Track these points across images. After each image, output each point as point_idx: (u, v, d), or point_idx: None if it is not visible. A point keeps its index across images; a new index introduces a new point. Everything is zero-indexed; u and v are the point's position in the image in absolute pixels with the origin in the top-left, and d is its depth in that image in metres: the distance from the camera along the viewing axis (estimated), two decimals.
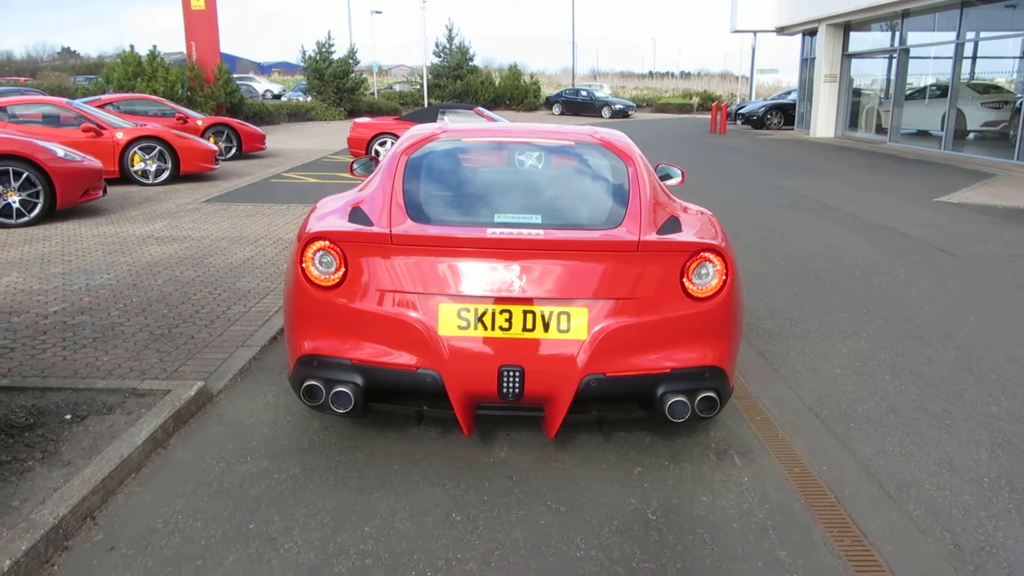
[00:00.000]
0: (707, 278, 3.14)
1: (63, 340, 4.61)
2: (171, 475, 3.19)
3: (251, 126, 16.87)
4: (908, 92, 21.05)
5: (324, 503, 2.99)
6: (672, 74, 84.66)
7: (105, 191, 9.37)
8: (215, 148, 12.84)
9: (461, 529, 2.84)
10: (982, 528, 2.87)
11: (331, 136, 22.05)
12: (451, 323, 3.02)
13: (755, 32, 32.07)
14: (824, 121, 24.07)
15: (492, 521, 2.89)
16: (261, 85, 43.98)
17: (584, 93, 40.25)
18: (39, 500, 2.85)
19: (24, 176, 8.20)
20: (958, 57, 18.21)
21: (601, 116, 36.92)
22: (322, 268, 3.15)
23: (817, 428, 3.71)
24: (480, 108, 16.53)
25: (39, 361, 4.27)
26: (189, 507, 2.95)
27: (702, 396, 3.10)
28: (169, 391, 3.82)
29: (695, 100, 46.26)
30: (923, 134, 20.21)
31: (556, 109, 39.73)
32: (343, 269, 3.12)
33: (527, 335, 3.02)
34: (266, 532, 2.80)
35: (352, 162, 5.21)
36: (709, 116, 31.13)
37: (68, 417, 3.55)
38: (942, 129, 18.67)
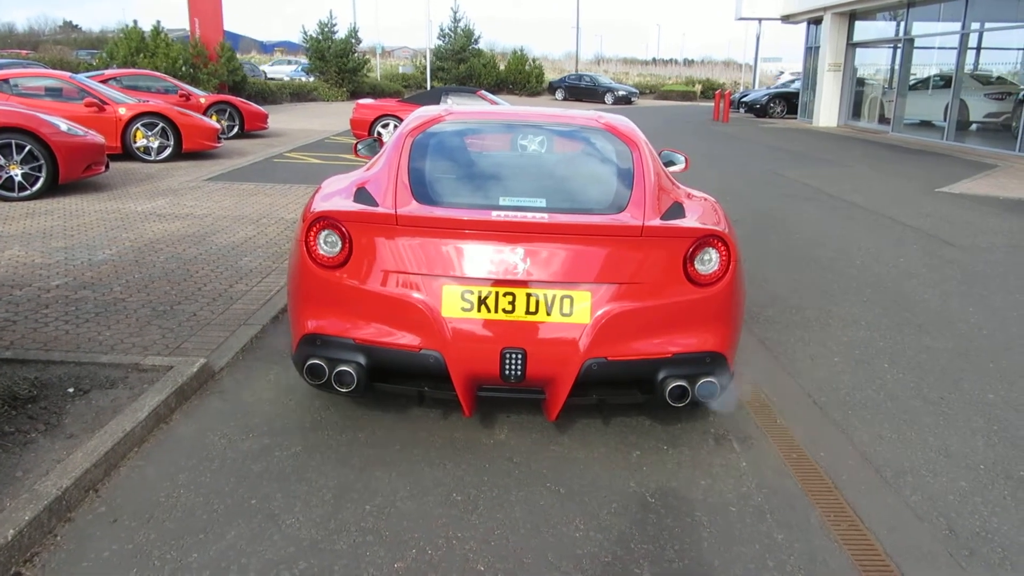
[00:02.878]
0: (710, 264, 3.15)
1: (65, 314, 4.62)
2: (173, 450, 3.21)
3: (254, 105, 16.81)
4: (912, 82, 20.99)
5: (325, 481, 3.02)
6: (676, 61, 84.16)
7: (107, 167, 9.35)
8: (217, 126, 12.81)
9: (461, 509, 2.87)
10: (977, 514, 2.90)
11: (333, 117, 21.98)
12: (454, 305, 3.04)
13: (760, 20, 31.91)
14: (827, 110, 24.01)
15: (492, 501, 2.92)
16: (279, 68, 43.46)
17: (587, 79, 40.10)
18: (42, 471, 2.87)
19: (27, 149, 8.18)
20: (962, 48, 18.15)
21: (604, 102, 36.80)
22: (327, 247, 3.16)
23: (815, 415, 3.73)
24: (483, 92, 16.46)
25: (41, 334, 4.28)
26: (191, 482, 2.98)
27: (703, 381, 3.12)
28: (172, 367, 3.83)
29: (698, 88, 46.10)
30: (926, 124, 20.17)
31: (559, 94, 39.60)
32: (347, 249, 3.13)
33: (530, 318, 3.04)
34: (268, 508, 2.82)
35: (356, 143, 5.20)
36: (712, 104, 31.03)
37: (71, 390, 3.57)
38: (945, 120, 18.64)
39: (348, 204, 3.27)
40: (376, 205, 3.23)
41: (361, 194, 3.37)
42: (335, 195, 3.47)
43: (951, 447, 3.42)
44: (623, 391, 3.29)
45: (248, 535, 2.66)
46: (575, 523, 2.80)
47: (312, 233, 3.17)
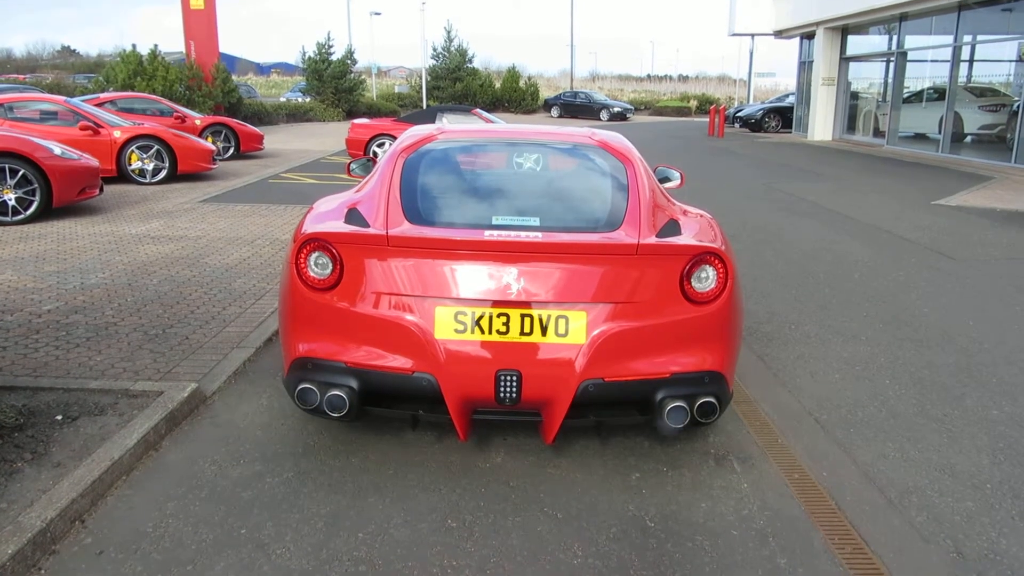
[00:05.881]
0: (707, 282, 3.10)
1: (56, 339, 4.56)
2: (162, 478, 3.14)
3: (249, 126, 16.82)
4: (906, 95, 21.05)
5: (317, 508, 2.95)
6: (670, 77, 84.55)
7: (102, 189, 9.32)
8: (213, 148, 12.79)
9: (457, 536, 2.80)
10: (985, 535, 2.84)
11: (329, 137, 22.01)
12: (448, 326, 2.98)
13: (753, 35, 32.09)
14: (822, 124, 24.07)
15: (488, 528, 2.85)
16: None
17: (582, 96, 40.25)
18: (27, 502, 2.80)
19: (20, 174, 8.15)
20: (955, 60, 18.22)
21: (599, 119, 36.92)
22: (317, 270, 3.11)
23: (817, 433, 3.67)
24: (478, 110, 16.48)
25: (31, 360, 4.22)
26: (180, 511, 2.91)
27: (701, 401, 3.06)
28: (162, 392, 3.77)
29: (693, 103, 46.28)
30: (920, 137, 20.22)
31: (554, 111, 39.71)
32: (339, 271, 3.08)
33: (525, 339, 2.98)
34: (258, 537, 2.75)
35: (350, 163, 5.16)
36: (707, 119, 31.13)
37: (59, 418, 3.50)
38: (940, 132, 18.68)
39: (339, 225, 3.23)
40: (367, 226, 3.19)
41: (352, 215, 3.32)
42: (326, 216, 3.42)
43: (956, 466, 3.36)
44: (621, 412, 3.23)
45: (237, 566, 2.59)
46: (573, 549, 2.73)
47: (302, 255, 3.12)
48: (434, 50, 40.94)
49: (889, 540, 2.80)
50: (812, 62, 24.69)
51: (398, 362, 3.04)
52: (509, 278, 2.97)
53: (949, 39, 18.46)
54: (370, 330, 3.05)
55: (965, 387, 4.24)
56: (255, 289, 5.78)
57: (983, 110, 18.31)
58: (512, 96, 42.12)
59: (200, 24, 23.74)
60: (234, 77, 28.54)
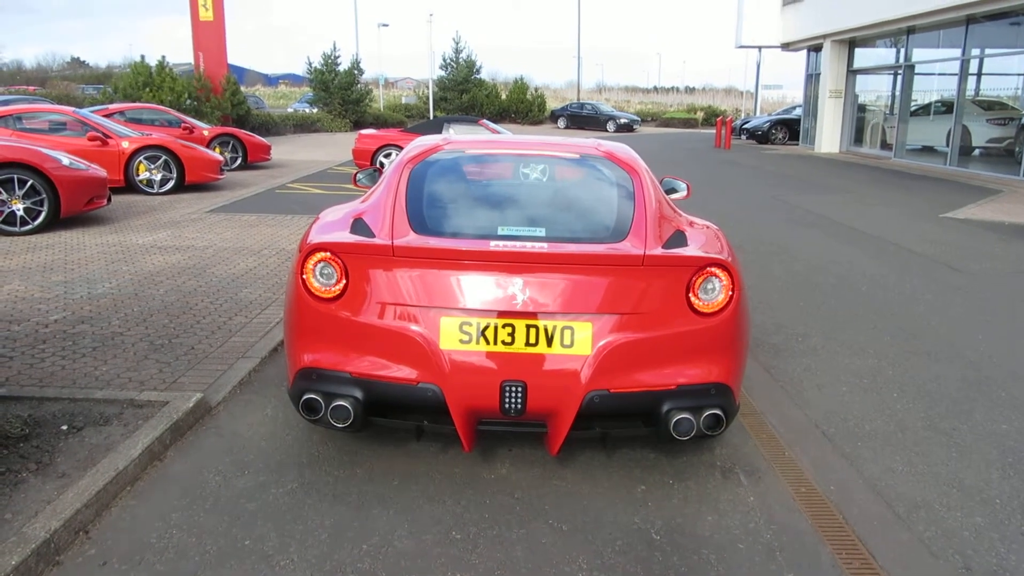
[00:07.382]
0: (713, 293, 3.09)
1: (62, 349, 4.57)
2: (166, 489, 3.13)
3: (257, 136, 16.89)
4: (913, 108, 21.04)
5: (322, 519, 2.94)
6: (677, 89, 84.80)
7: (109, 200, 9.36)
8: (220, 158, 12.85)
9: (461, 547, 2.78)
10: (994, 551, 2.81)
11: (336, 147, 22.09)
12: (453, 337, 2.98)
13: (760, 48, 32.12)
14: (829, 136, 24.07)
15: (493, 539, 2.83)
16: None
17: (589, 107, 40.36)
18: (32, 513, 2.80)
19: (29, 184, 8.19)
20: (963, 74, 18.21)
21: (606, 130, 36.99)
22: (323, 280, 3.11)
23: (824, 446, 3.65)
24: (485, 121, 16.53)
25: (37, 370, 4.23)
26: (184, 522, 2.90)
27: (708, 413, 3.04)
28: (167, 403, 3.77)
29: (700, 115, 46.35)
30: (928, 150, 20.18)
31: (561, 123, 39.81)
32: (344, 281, 3.08)
33: (530, 350, 2.98)
34: (262, 549, 2.74)
35: (356, 173, 5.17)
36: (713, 131, 31.16)
37: (65, 428, 3.50)
38: (947, 145, 18.65)
39: (344, 235, 3.23)
40: (373, 236, 3.19)
41: (358, 225, 3.32)
42: (332, 226, 3.43)
43: (965, 480, 3.33)
44: (626, 424, 3.21)
45: None
46: (578, 562, 2.71)
47: (308, 265, 3.12)
48: (443, 60, 41.16)
49: (897, 555, 2.77)
50: (819, 74, 24.72)
51: (403, 372, 3.03)
52: (515, 288, 2.96)
53: (957, 52, 18.45)
54: (375, 340, 3.05)
55: (973, 400, 4.21)
56: (261, 299, 5.79)
57: (991, 123, 18.28)
58: (519, 107, 42.27)
59: (209, 36, 23.94)
60: (243, 88, 28.73)
